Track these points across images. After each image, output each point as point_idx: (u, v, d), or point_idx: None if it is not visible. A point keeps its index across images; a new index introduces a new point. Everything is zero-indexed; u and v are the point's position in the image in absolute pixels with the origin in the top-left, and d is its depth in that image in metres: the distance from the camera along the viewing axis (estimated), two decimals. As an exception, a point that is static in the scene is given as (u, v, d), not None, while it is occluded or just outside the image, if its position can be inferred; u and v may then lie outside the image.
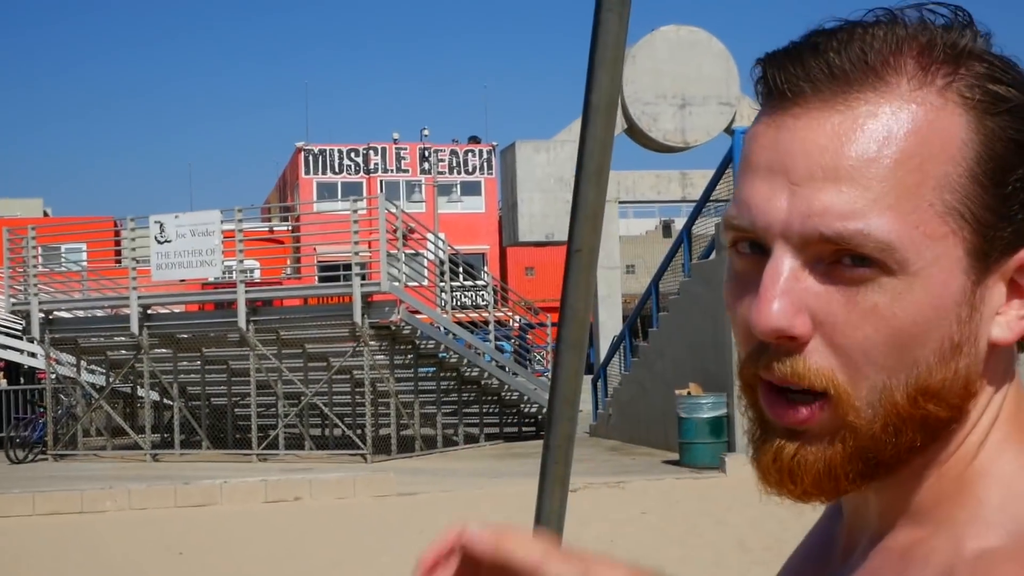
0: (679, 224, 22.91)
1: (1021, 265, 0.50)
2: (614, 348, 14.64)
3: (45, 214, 34.82)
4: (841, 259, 0.49)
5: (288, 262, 17.89)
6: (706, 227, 13.34)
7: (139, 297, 14.07)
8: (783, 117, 0.51)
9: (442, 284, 14.86)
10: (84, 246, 18.35)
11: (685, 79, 14.55)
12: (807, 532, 0.69)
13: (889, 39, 0.50)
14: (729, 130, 14.05)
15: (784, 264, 0.49)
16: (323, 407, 14.16)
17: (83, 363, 15.21)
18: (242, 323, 13.03)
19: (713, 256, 12.18)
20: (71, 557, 8.59)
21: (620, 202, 16.03)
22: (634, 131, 15.41)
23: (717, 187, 12.87)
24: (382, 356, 13.85)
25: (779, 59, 0.51)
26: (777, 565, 1.09)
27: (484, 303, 16.29)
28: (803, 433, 0.51)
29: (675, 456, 11.63)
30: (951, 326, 0.49)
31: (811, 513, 0.77)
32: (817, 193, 0.48)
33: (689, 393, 11.44)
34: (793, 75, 0.50)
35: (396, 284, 12.97)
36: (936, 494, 0.53)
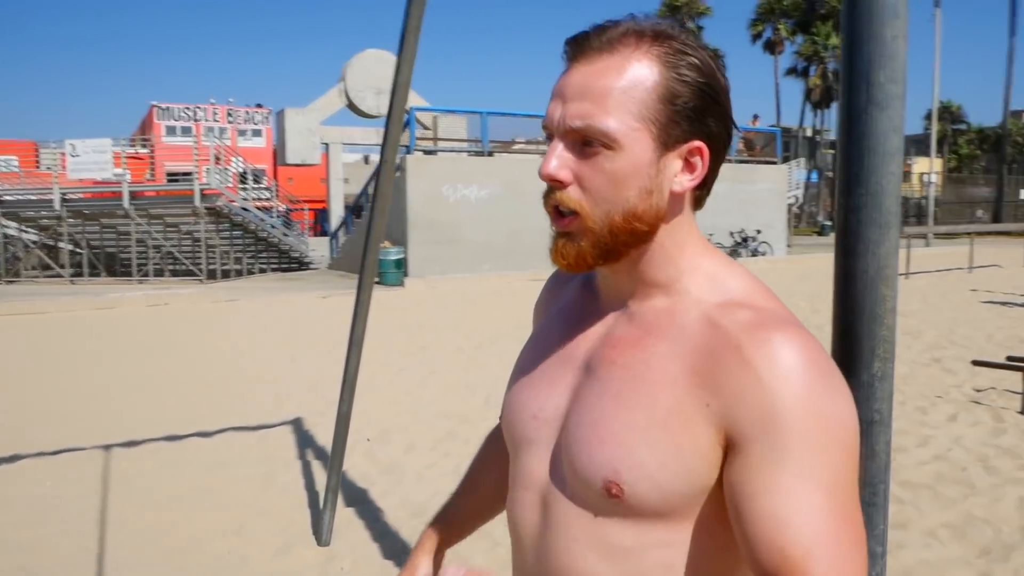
0: (373, 157, 36.35)
1: (689, 151, 0.83)
2: (341, 223, 23.14)
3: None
4: (585, 142, 0.81)
5: (146, 171, 24.58)
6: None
7: (60, 188, 19.93)
8: (568, 69, 0.83)
9: (242, 185, 22.29)
10: (15, 158, 24.84)
11: (380, 78, 23.74)
12: (551, 309, 1.04)
13: (624, 28, 0.82)
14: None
15: (558, 143, 0.83)
16: (176, 253, 20.65)
17: (21, 227, 21.19)
18: (126, 204, 19.32)
19: (398, 174, 17.22)
20: (28, 342, 10.87)
21: (344, 144, 25.96)
22: (352, 106, 24.56)
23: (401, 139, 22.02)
24: (211, 224, 20.22)
25: (572, 40, 0.83)
26: (446, 332, 9.81)
27: (267, 197, 23.78)
28: (568, 234, 0.84)
29: (378, 280, 16.00)
30: (645, 179, 0.82)
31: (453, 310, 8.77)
32: (571, 105, 0.81)
33: (385, 246, 16.42)
34: (575, 48, 0.83)
35: (219, 184, 20.19)
36: (670, 276, 0.87)
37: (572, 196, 0.83)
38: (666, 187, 0.83)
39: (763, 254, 21.41)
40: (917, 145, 72.36)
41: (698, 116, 0.82)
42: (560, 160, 0.83)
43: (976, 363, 6.48)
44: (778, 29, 53.19)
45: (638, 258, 0.87)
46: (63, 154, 20.93)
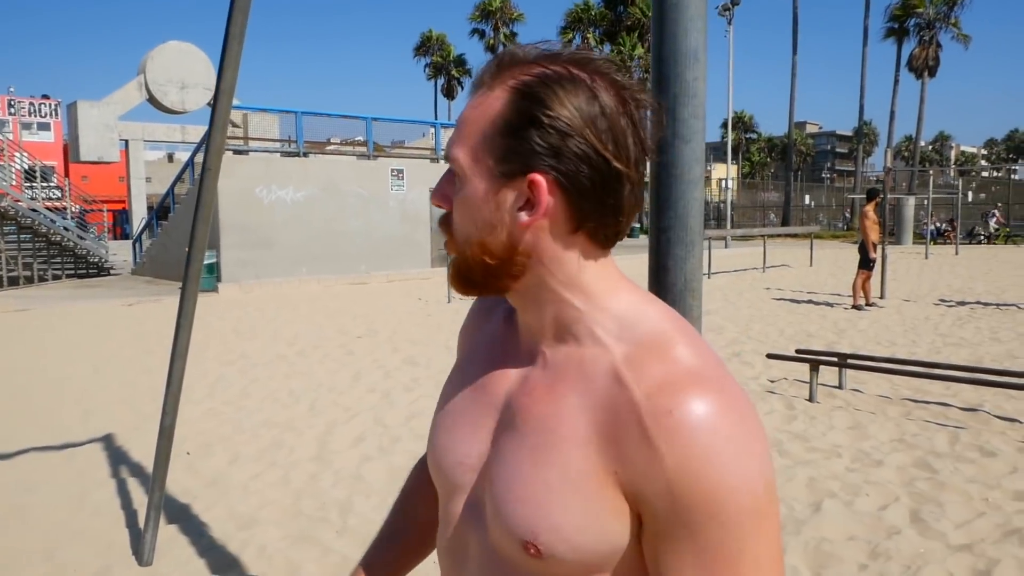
0: (178, 155, 34.29)
1: (528, 184, 0.79)
2: (145, 225, 21.91)
3: None
4: (453, 170, 0.83)
5: None
6: (200, 157, 21.25)
7: None
8: None
9: (29, 183, 20.63)
10: None
11: (185, 72, 22.72)
12: (475, 338, 1.00)
13: (501, 59, 0.82)
14: (210, 103, 22.96)
15: (444, 173, 0.85)
16: None
17: None
18: None
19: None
20: None
21: (145, 140, 24.56)
22: (153, 100, 23.23)
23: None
24: (-7, 228, 19.05)
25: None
26: (265, 339, 9.45)
27: (58, 196, 22.00)
28: (453, 259, 0.86)
29: None
30: (485, 212, 0.81)
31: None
32: (451, 135, 0.84)
33: None
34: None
35: (2, 182, 18.54)
36: (570, 318, 0.83)
37: (445, 221, 0.85)
38: (512, 222, 0.80)
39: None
40: (715, 152, 78.13)
41: (542, 150, 0.77)
42: (439, 186, 0.85)
43: (770, 356, 7.14)
44: (587, 38, 55.43)
45: (526, 295, 0.85)
46: None
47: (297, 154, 18.72)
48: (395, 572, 1.16)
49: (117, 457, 5.31)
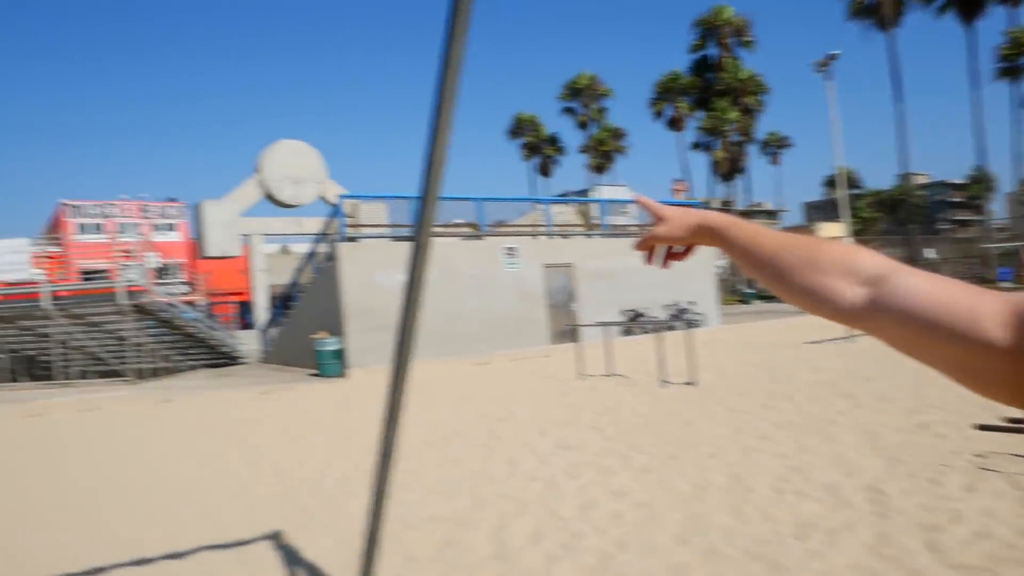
0: (293, 247, 36.75)
1: None
2: (272, 316, 22.90)
3: None
4: None
5: (61, 270, 24.50)
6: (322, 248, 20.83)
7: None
8: None
9: (161, 280, 22.40)
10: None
11: (297, 168, 23.90)
12: None
13: None
14: (323, 196, 24.02)
15: None
16: (101, 353, 20.17)
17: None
18: (47, 304, 18.47)
19: (330, 263, 18.17)
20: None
21: (264, 234, 25.84)
22: (271, 197, 24.66)
23: (329, 228, 19.98)
24: (137, 323, 19.58)
25: None
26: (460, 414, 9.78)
27: (186, 291, 23.63)
28: None
29: (316, 371, 17.04)
30: None
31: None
32: None
33: (321, 336, 17.29)
34: None
35: (142, 280, 20.03)
36: None
37: None
38: None
39: (699, 325, 21.64)
40: (818, 211, 75.59)
41: None
42: None
43: (982, 427, 6.20)
44: (678, 107, 55.51)
45: None
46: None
47: (412, 239, 18.97)
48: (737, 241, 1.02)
49: (290, 558, 5.19)
